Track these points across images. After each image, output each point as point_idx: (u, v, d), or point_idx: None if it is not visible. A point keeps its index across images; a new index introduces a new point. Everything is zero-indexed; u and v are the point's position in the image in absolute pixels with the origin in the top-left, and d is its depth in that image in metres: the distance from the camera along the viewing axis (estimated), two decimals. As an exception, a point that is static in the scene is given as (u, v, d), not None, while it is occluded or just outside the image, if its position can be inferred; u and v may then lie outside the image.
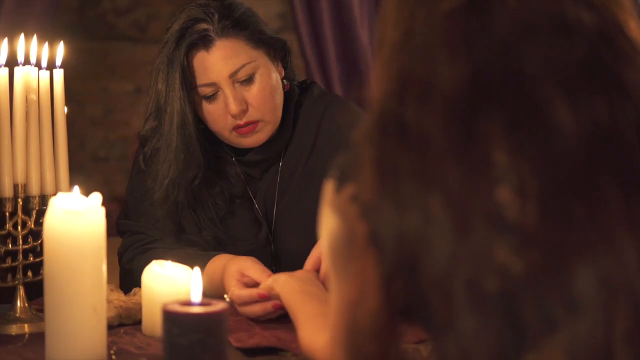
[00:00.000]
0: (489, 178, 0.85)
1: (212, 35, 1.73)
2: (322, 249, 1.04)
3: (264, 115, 1.77)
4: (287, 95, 1.84)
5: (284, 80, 1.83)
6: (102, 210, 1.29)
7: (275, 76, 1.79)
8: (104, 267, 1.29)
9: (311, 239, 1.81)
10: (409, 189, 0.87)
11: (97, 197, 1.29)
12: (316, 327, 1.25)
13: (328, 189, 0.98)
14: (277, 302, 1.51)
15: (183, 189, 1.76)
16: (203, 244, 1.79)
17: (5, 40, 1.53)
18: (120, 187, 4.04)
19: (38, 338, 1.48)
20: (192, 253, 1.71)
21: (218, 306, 1.17)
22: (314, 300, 1.36)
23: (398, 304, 0.90)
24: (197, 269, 1.23)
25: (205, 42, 1.74)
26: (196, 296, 1.19)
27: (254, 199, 1.85)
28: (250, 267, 1.61)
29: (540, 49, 0.90)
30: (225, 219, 1.83)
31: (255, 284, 1.58)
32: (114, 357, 1.35)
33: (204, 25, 1.74)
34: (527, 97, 0.88)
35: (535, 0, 0.92)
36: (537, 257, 0.82)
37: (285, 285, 1.46)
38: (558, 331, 0.81)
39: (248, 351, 1.39)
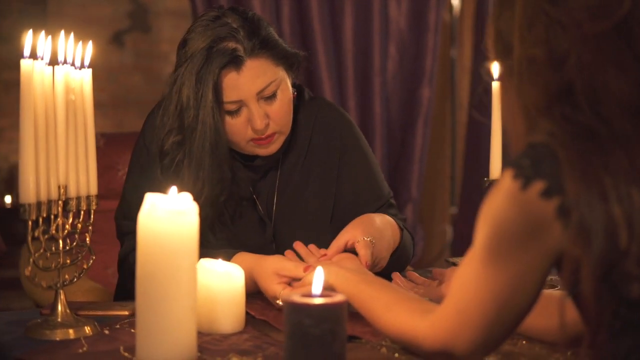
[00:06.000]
0: None
1: (242, 55, 1.75)
2: (479, 240, 1.13)
3: (282, 128, 1.84)
4: None
5: (293, 88, 1.89)
6: (197, 210, 1.31)
7: (291, 89, 1.85)
8: (197, 267, 1.31)
9: (309, 234, 1.88)
10: (610, 183, 1.03)
11: (188, 196, 1.31)
12: (407, 312, 1.31)
13: (509, 186, 1.09)
14: None
15: (215, 204, 1.80)
16: (214, 244, 1.81)
17: (49, 37, 1.49)
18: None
19: (98, 341, 1.47)
20: (210, 252, 1.73)
21: (338, 296, 1.23)
22: (386, 288, 1.42)
23: (604, 287, 1.02)
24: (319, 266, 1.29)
25: (236, 62, 1.75)
26: (318, 288, 1.25)
27: (257, 200, 1.89)
28: (283, 267, 1.64)
29: None
30: (235, 220, 1.86)
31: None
32: (198, 354, 1.37)
33: (231, 44, 1.75)
34: None
35: None
36: None
37: (339, 277, 1.52)
38: None
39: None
